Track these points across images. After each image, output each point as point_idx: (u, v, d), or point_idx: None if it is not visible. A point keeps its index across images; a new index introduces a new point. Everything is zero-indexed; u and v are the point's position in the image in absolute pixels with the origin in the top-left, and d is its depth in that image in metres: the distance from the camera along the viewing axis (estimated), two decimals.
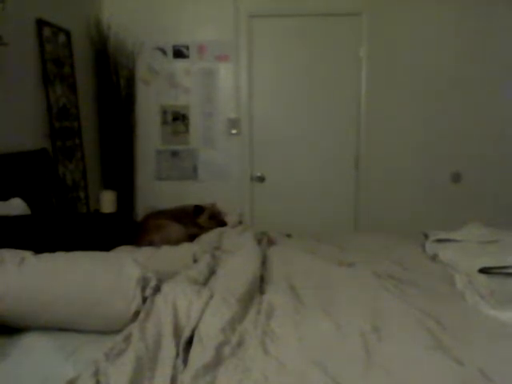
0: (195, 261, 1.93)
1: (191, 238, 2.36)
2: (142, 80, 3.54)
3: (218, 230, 2.41)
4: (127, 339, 1.26)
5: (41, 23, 2.64)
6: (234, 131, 3.56)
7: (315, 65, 3.50)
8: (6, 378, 1.20)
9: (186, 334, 1.30)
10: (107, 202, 3.04)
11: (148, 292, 1.46)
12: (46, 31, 2.70)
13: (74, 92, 3.02)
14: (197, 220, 2.51)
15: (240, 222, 3.12)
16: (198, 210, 2.54)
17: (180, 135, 3.60)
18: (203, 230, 2.44)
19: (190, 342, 1.28)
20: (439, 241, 2.23)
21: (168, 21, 3.48)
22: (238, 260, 1.85)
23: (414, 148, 3.54)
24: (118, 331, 1.35)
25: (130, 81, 3.48)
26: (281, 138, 3.58)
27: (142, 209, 3.50)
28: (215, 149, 3.60)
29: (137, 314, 1.39)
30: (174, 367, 1.18)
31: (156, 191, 3.61)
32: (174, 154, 3.61)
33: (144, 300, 1.43)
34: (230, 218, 2.75)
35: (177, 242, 2.22)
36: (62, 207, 2.66)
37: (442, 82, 3.46)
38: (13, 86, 2.42)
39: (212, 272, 1.80)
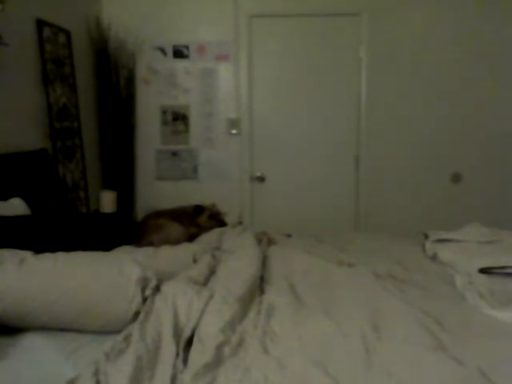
0: (195, 261, 1.93)
1: (191, 237, 2.36)
2: (142, 80, 3.54)
3: (218, 229, 2.40)
4: (127, 339, 1.26)
5: (41, 23, 2.64)
6: (234, 131, 3.56)
7: (315, 65, 3.50)
8: (6, 378, 1.20)
9: (186, 333, 1.30)
10: (107, 201, 3.04)
11: (148, 292, 1.46)
12: (46, 31, 2.70)
13: (74, 92, 3.02)
14: (197, 220, 2.51)
15: (240, 222, 3.13)
16: (198, 209, 2.54)
17: (180, 135, 3.60)
18: (203, 229, 2.43)
19: (190, 342, 1.28)
20: (439, 241, 2.22)
21: (168, 21, 3.48)
22: (238, 260, 1.85)
23: (413, 148, 3.54)
24: (118, 331, 1.35)
25: (130, 81, 3.48)
26: (281, 138, 3.58)
27: (141, 209, 3.50)
28: (215, 149, 3.60)
29: (137, 314, 1.39)
30: (174, 367, 1.18)
31: (156, 191, 3.61)
32: (174, 154, 3.61)
33: (144, 300, 1.43)
34: (230, 218, 2.75)
35: (177, 241, 2.22)
36: (62, 207, 2.66)
37: (442, 82, 3.46)
38: (13, 86, 2.42)
39: (212, 272, 1.80)
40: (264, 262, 1.98)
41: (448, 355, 1.24)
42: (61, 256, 1.52)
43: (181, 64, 3.52)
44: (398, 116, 3.52)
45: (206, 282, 1.69)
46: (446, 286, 1.79)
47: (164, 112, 3.58)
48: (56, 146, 2.77)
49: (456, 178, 3.55)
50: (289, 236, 2.55)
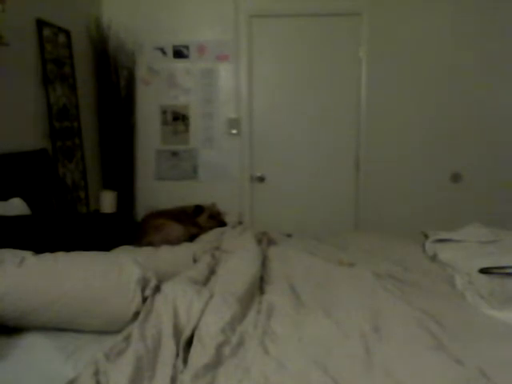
0: (195, 261, 1.93)
1: (191, 238, 2.36)
2: (142, 80, 3.54)
3: (218, 229, 2.40)
4: (127, 339, 1.26)
5: (41, 23, 2.64)
6: (234, 131, 3.56)
7: (315, 65, 3.50)
8: (6, 378, 1.20)
9: (186, 333, 1.30)
10: (107, 202, 3.04)
11: (148, 292, 1.46)
12: (46, 31, 2.70)
13: (74, 92, 3.02)
14: (197, 220, 2.51)
15: (240, 222, 3.13)
16: (198, 209, 2.54)
17: (180, 135, 3.60)
18: (203, 230, 2.44)
19: (190, 342, 1.28)
20: (439, 241, 2.22)
21: (168, 21, 3.48)
22: (238, 260, 1.85)
23: (413, 148, 3.54)
24: (118, 331, 1.35)
25: (130, 81, 3.48)
26: (281, 138, 3.58)
27: (141, 209, 3.50)
28: (215, 149, 3.60)
29: (137, 314, 1.39)
30: (174, 367, 1.18)
31: (156, 191, 3.61)
32: (174, 154, 3.61)
33: (144, 300, 1.43)
34: (230, 218, 2.75)
35: (177, 241, 2.22)
36: (62, 207, 2.66)
37: (442, 82, 3.46)
38: (13, 86, 2.42)
39: (212, 272, 1.80)
40: (264, 262, 1.98)
41: (448, 355, 1.24)
42: (61, 256, 1.53)
43: (181, 64, 3.52)
44: (398, 116, 3.52)
45: (206, 281, 1.70)
46: (446, 286, 1.79)
47: (164, 112, 3.58)
48: (56, 146, 2.77)
49: (456, 177, 3.55)
50: (289, 236, 2.55)
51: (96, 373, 1.13)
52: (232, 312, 1.40)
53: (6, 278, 1.37)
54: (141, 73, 3.53)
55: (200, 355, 1.21)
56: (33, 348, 1.32)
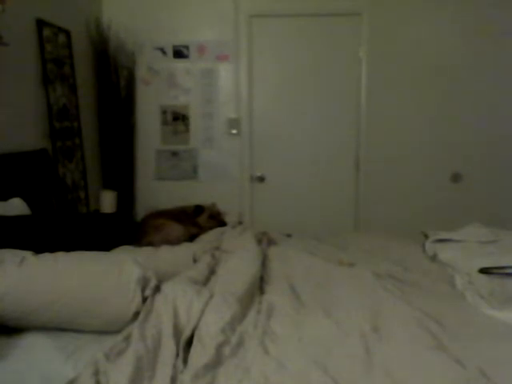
0: (195, 261, 1.93)
1: (191, 238, 2.36)
2: (142, 80, 3.54)
3: (218, 229, 2.40)
4: (127, 339, 1.26)
5: (41, 23, 2.64)
6: (234, 131, 3.56)
7: (315, 65, 3.50)
8: (6, 378, 1.20)
9: (186, 333, 1.30)
10: (107, 201, 3.04)
11: (148, 292, 1.46)
12: (46, 31, 2.70)
13: (74, 92, 3.02)
14: (197, 220, 2.51)
15: (240, 222, 3.13)
16: (198, 209, 2.54)
17: (180, 135, 3.60)
18: (203, 230, 2.44)
19: (190, 342, 1.28)
20: (439, 241, 2.22)
21: (168, 21, 3.48)
22: (238, 260, 1.85)
23: (414, 148, 3.54)
24: (118, 331, 1.35)
25: (130, 81, 3.48)
26: (281, 138, 3.58)
27: (141, 209, 3.50)
28: (215, 149, 3.60)
29: (137, 314, 1.39)
30: (174, 367, 1.18)
31: (156, 191, 3.61)
32: (174, 154, 3.61)
33: (144, 300, 1.43)
34: (230, 218, 2.75)
35: (177, 241, 2.22)
36: (62, 207, 2.66)
37: (442, 82, 3.46)
38: (13, 86, 2.42)
39: (212, 272, 1.80)
40: (264, 262, 1.98)
41: (448, 355, 1.24)
42: (61, 256, 1.52)
43: (181, 64, 3.52)
44: (398, 116, 3.52)
45: (206, 281, 1.70)
46: (446, 286, 1.79)
47: (164, 112, 3.58)
48: (56, 146, 2.77)
49: (456, 177, 3.55)
50: (289, 236, 2.55)
51: (96, 373, 1.13)
52: (232, 312, 1.40)
53: (6, 278, 1.37)
54: (141, 73, 3.53)
55: (200, 355, 1.21)
56: (33, 348, 1.32)
